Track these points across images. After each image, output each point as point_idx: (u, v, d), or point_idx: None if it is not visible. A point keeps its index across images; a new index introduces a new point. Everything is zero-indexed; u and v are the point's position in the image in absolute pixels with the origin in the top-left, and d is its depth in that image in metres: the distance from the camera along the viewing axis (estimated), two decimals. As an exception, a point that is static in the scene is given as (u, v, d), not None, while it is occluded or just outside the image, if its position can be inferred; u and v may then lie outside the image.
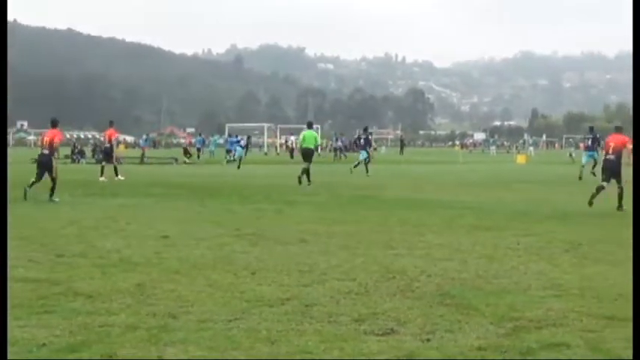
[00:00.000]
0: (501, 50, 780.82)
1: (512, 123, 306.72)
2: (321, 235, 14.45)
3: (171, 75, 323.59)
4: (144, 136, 79.72)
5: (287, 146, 78.22)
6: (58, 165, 23.31)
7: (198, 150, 69.45)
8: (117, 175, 32.58)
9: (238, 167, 48.37)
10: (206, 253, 12.17)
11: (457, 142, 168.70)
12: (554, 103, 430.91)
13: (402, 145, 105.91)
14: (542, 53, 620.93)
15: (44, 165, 22.76)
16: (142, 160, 55.39)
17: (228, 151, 66.61)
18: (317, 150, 33.68)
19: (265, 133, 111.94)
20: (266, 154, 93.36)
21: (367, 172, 39.58)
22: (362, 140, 42.90)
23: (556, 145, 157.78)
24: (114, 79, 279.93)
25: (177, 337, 7.03)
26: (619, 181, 21.55)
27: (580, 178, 36.52)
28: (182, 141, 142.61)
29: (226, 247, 12.88)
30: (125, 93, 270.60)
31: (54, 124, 23.68)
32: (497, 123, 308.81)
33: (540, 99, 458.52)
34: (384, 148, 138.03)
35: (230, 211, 19.54)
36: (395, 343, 6.91)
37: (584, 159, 39.77)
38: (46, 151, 22.92)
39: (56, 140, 23.09)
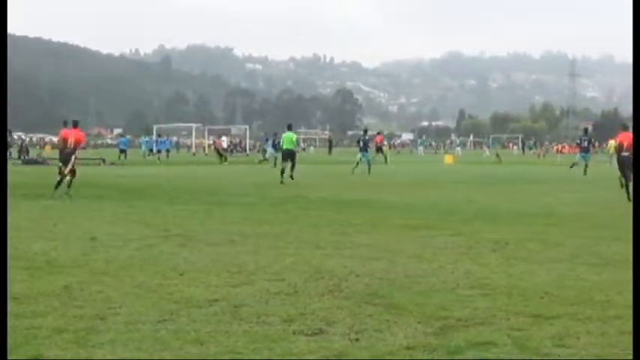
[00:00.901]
0: (429, 51, 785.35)
1: (439, 123, 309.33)
2: (249, 236, 14.43)
3: (98, 75, 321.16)
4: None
5: (214, 147, 77.71)
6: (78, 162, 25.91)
7: (123, 151, 68.37)
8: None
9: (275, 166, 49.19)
10: (134, 254, 12.08)
11: (385, 143, 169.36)
12: (481, 103, 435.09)
13: (331, 146, 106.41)
14: (470, 54, 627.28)
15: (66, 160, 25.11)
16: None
17: (159, 151, 66.29)
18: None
19: (193, 134, 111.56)
20: (194, 154, 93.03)
21: (369, 172, 41.76)
22: (361, 142, 44.41)
23: (483, 145, 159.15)
24: (40, 79, 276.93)
25: (105, 339, 6.96)
26: (630, 177, 23.23)
27: (585, 173, 40.27)
28: (109, 141, 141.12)
29: (154, 248, 12.80)
30: (51, 93, 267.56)
31: (75, 125, 26.36)
32: (425, 123, 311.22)
33: (468, 99, 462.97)
34: (312, 148, 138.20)
35: (158, 211, 19.43)
36: (324, 343, 6.92)
37: (578, 158, 44.00)
38: (70, 148, 25.38)
39: (78, 139, 25.85)
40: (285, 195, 25.68)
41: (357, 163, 42.45)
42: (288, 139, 34.64)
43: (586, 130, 47.79)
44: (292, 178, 32.92)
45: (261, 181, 33.61)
